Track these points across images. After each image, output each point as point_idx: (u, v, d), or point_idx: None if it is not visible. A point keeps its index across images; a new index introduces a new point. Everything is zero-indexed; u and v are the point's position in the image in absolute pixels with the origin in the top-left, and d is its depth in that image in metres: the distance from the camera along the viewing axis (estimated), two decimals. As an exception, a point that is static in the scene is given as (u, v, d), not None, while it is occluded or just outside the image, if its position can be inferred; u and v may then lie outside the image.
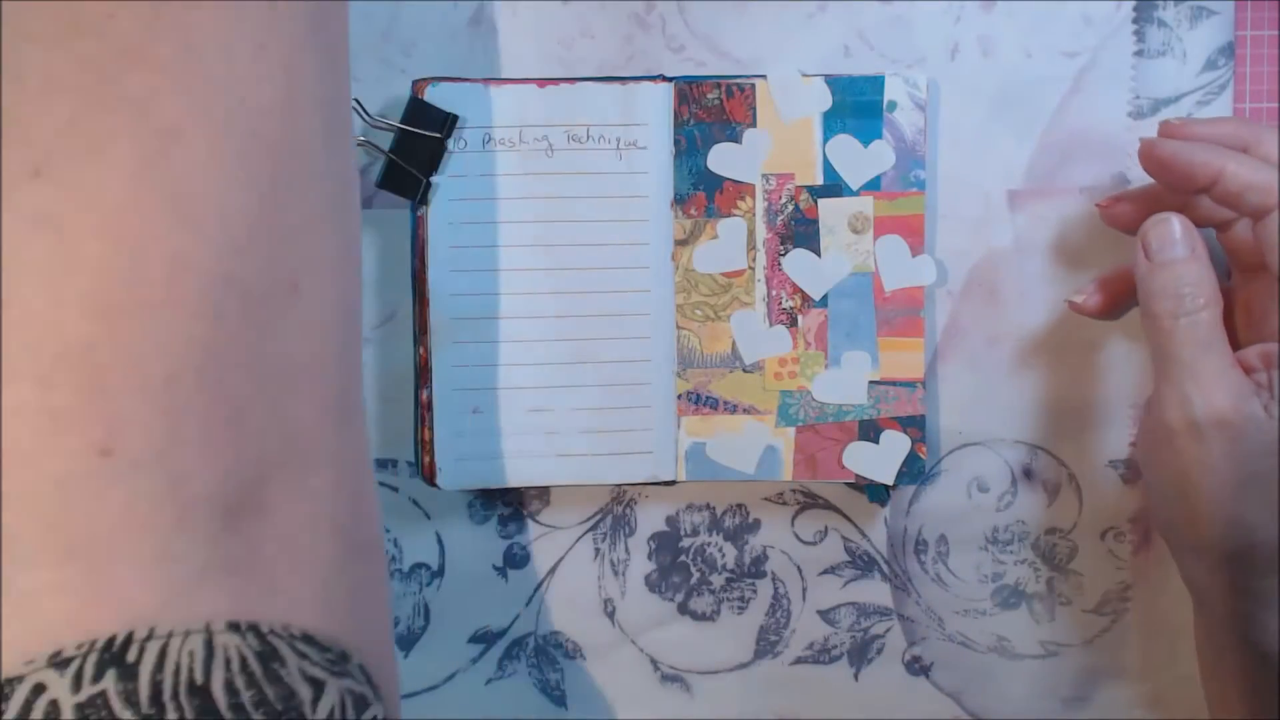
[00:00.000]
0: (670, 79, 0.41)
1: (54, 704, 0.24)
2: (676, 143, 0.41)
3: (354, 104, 0.41)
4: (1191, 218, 0.37)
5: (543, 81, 0.40)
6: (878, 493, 0.43)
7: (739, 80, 0.41)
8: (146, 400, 0.25)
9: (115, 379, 0.25)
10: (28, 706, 0.24)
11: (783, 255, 0.41)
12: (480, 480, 0.41)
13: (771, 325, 0.41)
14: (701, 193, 0.41)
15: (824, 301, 0.41)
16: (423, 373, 0.41)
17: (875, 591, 0.43)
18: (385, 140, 0.40)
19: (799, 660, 0.43)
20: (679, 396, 0.41)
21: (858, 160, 0.41)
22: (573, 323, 0.41)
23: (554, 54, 0.41)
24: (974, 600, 0.43)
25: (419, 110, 0.40)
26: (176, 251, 0.25)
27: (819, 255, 0.41)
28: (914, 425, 0.41)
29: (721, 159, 0.41)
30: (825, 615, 0.43)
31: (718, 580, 0.43)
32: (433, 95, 0.40)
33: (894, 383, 0.41)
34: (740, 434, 0.41)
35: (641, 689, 0.43)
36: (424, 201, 0.40)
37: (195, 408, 0.25)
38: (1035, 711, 0.44)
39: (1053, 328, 0.42)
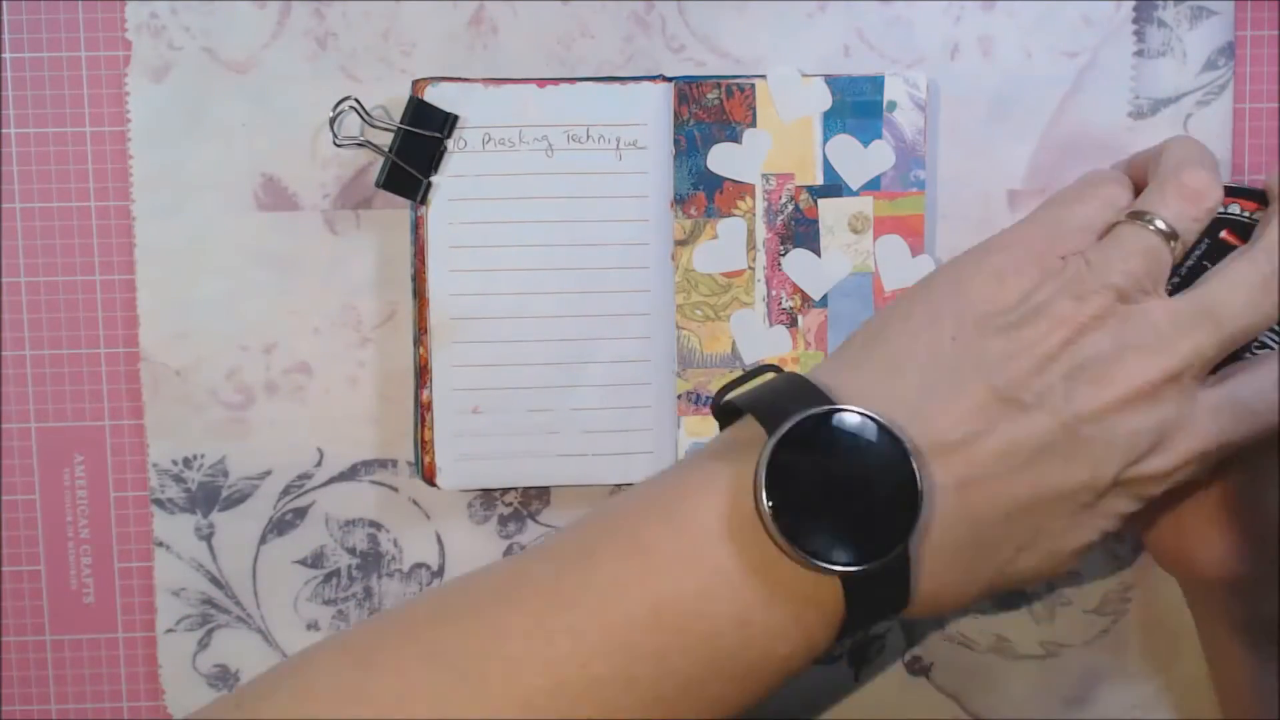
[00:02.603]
0: (670, 79, 0.41)
1: None
2: (676, 143, 0.41)
3: (354, 104, 0.41)
4: None
5: (542, 81, 0.40)
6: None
7: (739, 80, 0.41)
8: None
9: None
10: None
11: (783, 255, 0.41)
12: (480, 480, 0.41)
13: (771, 325, 0.41)
14: (701, 193, 0.41)
15: (824, 302, 0.41)
16: (423, 373, 0.41)
17: (875, 591, 0.43)
18: (385, 140, 0.40)
19: (799, 660, 0.43)
20: (679, 396, 0.41)
21: (858, 160, 0.41)
22: (573, 323, 0.41)
23: (553, 54, 0.41)
24: (974, 600, 0.43)
25: (419, 110, 0.40)
26: None
27: (819, 255, 0.41)
28: (914, 425, 0.41)
29: (721, 159, 0.41)
30: (825, 615, 0.43)
31: (718, 580, 0.43)
32: (433, 95, 0.40)
33: (894, 383, 0.41)
34: (740, 434, 0.41)
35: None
36: (424, 201, 0.40)
37: None
38: (1035, 712, 0.44)
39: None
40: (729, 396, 0.33)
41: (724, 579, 0.30)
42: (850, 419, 0.31)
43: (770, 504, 0.30)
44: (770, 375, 0.34)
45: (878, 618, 0.32)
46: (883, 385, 0.32)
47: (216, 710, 0.32)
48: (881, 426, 0.31)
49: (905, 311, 0.34)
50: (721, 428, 0.35)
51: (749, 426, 0.32)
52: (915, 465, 0.30)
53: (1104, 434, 0.32)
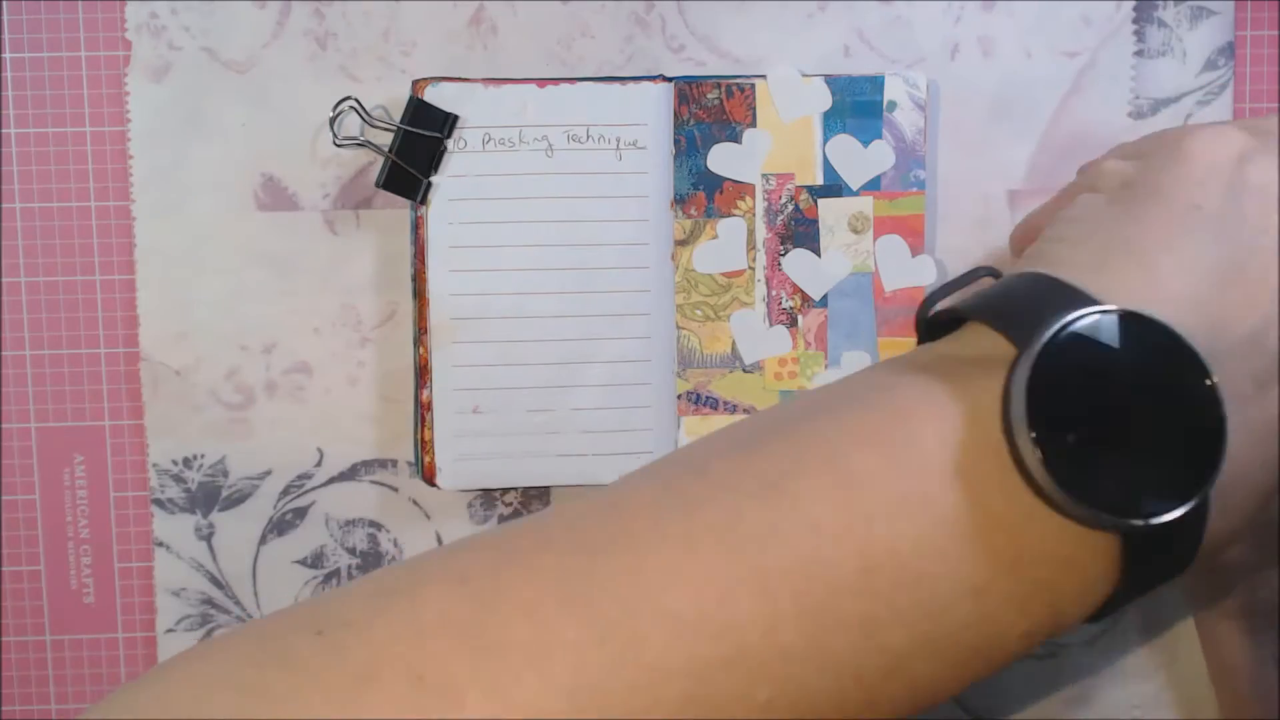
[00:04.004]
0: (670, 79, 0.41)
1: None
2: (676, 143, 0.41)
3: (354, 104, 0.41)
4: None
5: (542, 81, 0.40)
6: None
7: (739, 80, 0.41)
8: None
9: None
10: None
11: (783, 255, 0.41)
12: (480, 480, 0.41)
13: (771, 325, 0.41)
14: (701, 193, 0.41)
15: (824, 301, 0.41)
16: (423, 373, 0.41)
17: (875, 591, 0.43)
18: (385, 140, 0.40)
19: (799, 660, 0.43)
20: (679, 396, 0.41)
21: (858, 160, 0.41)
22: (573, 323, 0.41)
23: (554, 54, 0.41)
24: (974, 600, 0.43)
25: (419, 110, 0.40)
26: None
27: (819, 255, 0.41)
28: (914, 425, 0.41)
29: (721, 159, 0.41)
30: (825, 615, 0.43)
31: (718, 580, 0.43)
32: (433, 95, 0.40)
33: (894, 383, 0.41)
34: (740, 434, 0.41)
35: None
36: (424, 201, 0.40)
37: None
38: (1035, 712, 0.44)
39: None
40: (947, 304, 0.27)
41: (957, 532, 0.23)
42: (1125, 324, 0.24)
43: (1034, 435, 0.23)
44: (988, 279, 0.27)
45: (1154, 585, 0.25)
46: (1140, 281, 0.25)
47: (293, 623, 0.25)
48: (1167, 331, 0.24)
49: (1117, 199, 0.27)
50: (920, 343, 0.28)
51: (974, 340, 0.26)
52: (1216, 380, 0.24)
53: None
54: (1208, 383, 0.24)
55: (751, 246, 0.41)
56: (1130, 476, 0.23)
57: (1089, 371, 0.24)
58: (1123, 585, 0.25)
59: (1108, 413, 0.24)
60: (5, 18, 0.41)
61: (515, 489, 0.42)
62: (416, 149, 0.40)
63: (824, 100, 0.41)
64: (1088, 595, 0.25)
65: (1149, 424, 0.24)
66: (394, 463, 0.42)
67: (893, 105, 0.41)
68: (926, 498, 0.24)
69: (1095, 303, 0.24)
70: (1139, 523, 0.23)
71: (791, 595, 0.23)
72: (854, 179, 0.41)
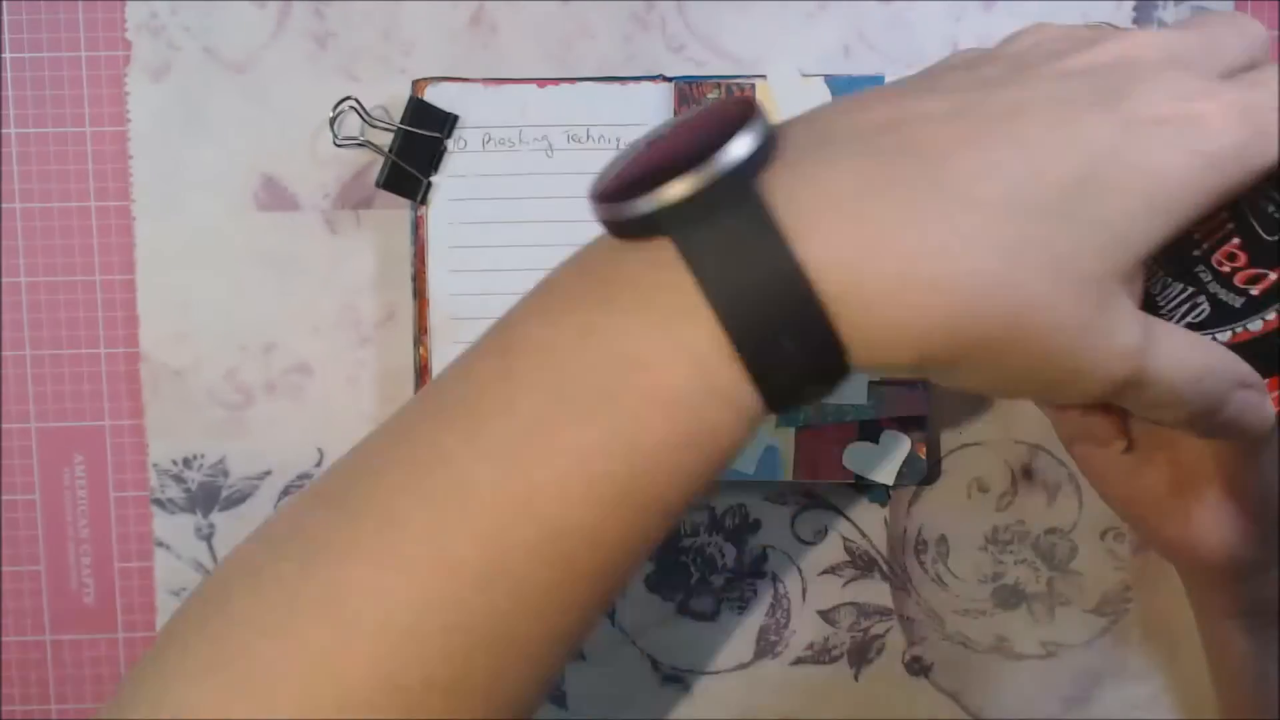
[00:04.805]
0: (670, 79, 0.41)
1: None
2: (676, 143, 0.41)
3: (354, 104, 0.41)
4: None
5: (542, 81, 0.40)
6: (878, 493, 0.43)
7: (739, 80, 0.41)
8: None
9: None
10: None
11: (783, 255, 0.41)
12: (480, 480, 0.41)
13: (771, 325, 0.41)
14: (701, 193, 0.41)
15: (824, 301, 0.41)
16: (423, 373, 0.41)
17: (875, 591, 0.43)
18: (385, 140, 0.40)
19: (799, 660, 0.43)
20: (679, 396, 0.41)
21: (858, 160, 0.41)
22: (573, 323, 0.41)
23: (554, 54, 0.41)
24: (974, 600, 0.43)
25: (419, 110, 0.40)
26: None
27: (819, 255, 0.41)
28: (914, 425, 0.41)
29: (721, 159, 0.41)
30: (825, 615, 0.43)
31: (718, 580, 0.43)
32: (433, 95, 0.40)
33: (894, 383, 0.41)
34: (740, 434, 0.41)
35: (642, 689, 0.43)
36: (424, 201, 0.40)
37: None
38: (1035, 711, 0.44)
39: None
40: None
41: (563, 290, 0.27)
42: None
43: (596, 187, 0.26)
44: None
45: (762, 304, 0.24)
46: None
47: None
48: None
49: None
50: None
51: None
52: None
53: None
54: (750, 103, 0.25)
55: (752, 246, 0.41)
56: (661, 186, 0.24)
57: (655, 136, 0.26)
58: (710, 299, 0.24)
59: (650, 147, 0.26)
60: (5, 17, 0.41)
61: (515, 489, 0.42)
62: (416, 149, 0.40)
63: (824, 100, 0.41)
64: (695, 323, 0.24)
65: (680, 142, 0.25)
66: (394, 463, 0.42)
67: (893, 105, 0.41)
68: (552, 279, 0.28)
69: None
70: (638, 202, 0.24)
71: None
72: (854, 179, 0.41)
